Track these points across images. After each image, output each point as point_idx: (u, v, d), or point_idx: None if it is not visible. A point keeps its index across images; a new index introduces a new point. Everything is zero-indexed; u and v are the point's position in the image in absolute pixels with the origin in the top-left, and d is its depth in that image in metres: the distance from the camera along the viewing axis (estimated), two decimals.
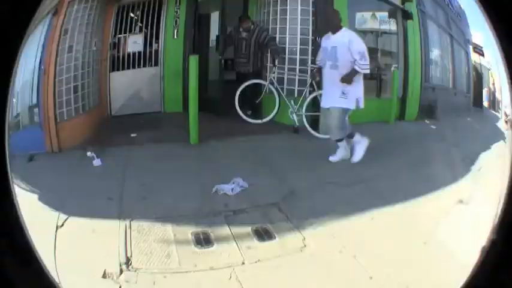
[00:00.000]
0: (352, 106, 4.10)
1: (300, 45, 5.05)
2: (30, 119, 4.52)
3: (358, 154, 4.06)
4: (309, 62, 4.98)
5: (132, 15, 5.63)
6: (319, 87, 4.86)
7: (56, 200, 2.95)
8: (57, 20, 4.86)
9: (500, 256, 1.13)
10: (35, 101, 4.48)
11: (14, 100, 4.50)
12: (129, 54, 5.46)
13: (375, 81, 5.70)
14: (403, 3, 5.99)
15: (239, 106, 4.83)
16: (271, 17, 5.27)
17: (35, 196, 2.93)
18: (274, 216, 3.03)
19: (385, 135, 5.24)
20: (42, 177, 3.40)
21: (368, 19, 5.90)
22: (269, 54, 5.00)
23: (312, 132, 4.72)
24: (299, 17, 5.09)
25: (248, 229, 2.88)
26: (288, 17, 5.13)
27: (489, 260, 1.14)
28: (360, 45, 4.15)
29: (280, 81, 4.98)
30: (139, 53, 5.45)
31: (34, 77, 4.56)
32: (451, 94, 7.14)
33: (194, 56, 4.66)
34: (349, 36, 4.17)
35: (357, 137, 4.13)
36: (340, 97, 4.03)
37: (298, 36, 5.05)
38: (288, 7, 5.16)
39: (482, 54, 8.53)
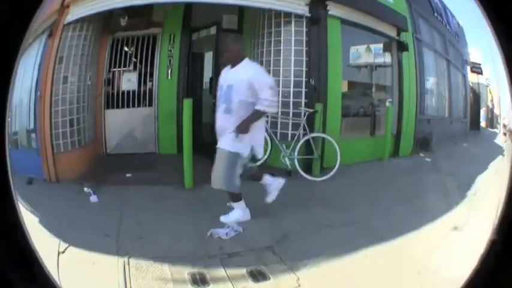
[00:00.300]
0: (245, 152, 3.54)
1: (294, 87, 5.05)
2: (28, 142, 4.61)
3: (272, 195, 3.73)
4: (303, 105, 4.97)
5: (126, 49, 5.64)
6: (312, 130, 4.90)
7: (55, 227, 3.02)
8: (52, 42, 4.92)
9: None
10: (32, 125, 4.59)
11: (12, 115, 4.64)
12: (123, 92, 5.49)
13: (369, 118, 5.71)
14: (398, 34, 5.99)
15: None
16: (264, 58, 5.26)
17: (36, 218, 3.01)
18: (269, 258, 3.11)
19: (379, 174, 5.28)
20: (41, 203, 3.47)
21: (362, 53, 5.87)
22: None
23: (304, 175, 4.74)
24: (292, 57, 5.09)
25: (243, 271, 2.95)
26: (281, 58, 5.12)
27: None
28: (265, 78, 3.65)
29: (274, 125, 4.96)
30: (133, 91, 5.47)
31: (31, 99, 4.65)
32: (447, 123, 7.14)
33: (188, 100, 4.67)
34: (252, 70, 3.59)
35: (267, 179, 3.75)
36: (232, 139, 3.52)
37: (292, 79, 5.06)
38: (281, 47, 5.17)
39: (481, 72, 8.54)
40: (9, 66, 1.13)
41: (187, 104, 4.64)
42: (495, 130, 7.71)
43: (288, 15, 5.17)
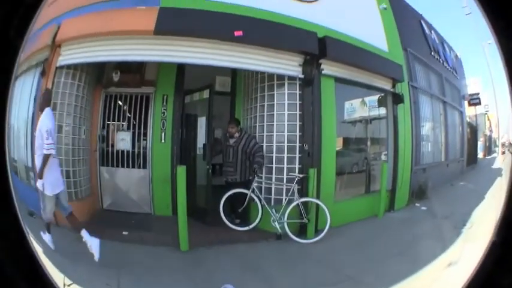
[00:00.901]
0: (45, 190, 3.84)
1: (288, 153, 5.02)
2: (27, 178, 4.67)
3: (96, 254, 3.80)
4: (296, 170, 4.98)
5: (120, 103, 5.62)
6: (306, 194, 4.92)
7: (58, 263, 3.20)
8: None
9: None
10: (30, 164, 4.62)
11: (11, 137, 4.70)
12: (117, 151, 5.49)
13: (364, 174, 5.71)
14: (393, 85, 5.95)
15: (227, 213, 4.85)
16: (258, 124, 5.27)
17: (40, 248, 3.11)
18: None
19: (374, 230, 5.33)
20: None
21: (357, 107, 5.83)
22: (252, 163, 4.96)
23: (294, 238, 4.76)
24: (286, 122, 5.05)
25: None
26: (275, 123, 5.09)
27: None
28: (43, 124, 3.87)
29: (267, 190, 4.99)
30: (127, 151, 5.48)
31: (27, 133, 4.67)
32: (443, 167, 7.13)
33: (181, 167, 4.65)
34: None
35: (84, 235, 3.87)
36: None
37: (286, 144, 5.03)
38: (275, 112, 5.13)
39: (479, 102, 8.52)
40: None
41: (181, 171, 4.63)
42: (493, 155, 7.78)
43: (281, 77, 5.16)
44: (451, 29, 7.43)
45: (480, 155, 9.11)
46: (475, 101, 8.75)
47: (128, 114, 5.51)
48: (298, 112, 5.06)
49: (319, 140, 5.07)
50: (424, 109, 6.50)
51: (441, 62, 7.41)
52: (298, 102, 5.09)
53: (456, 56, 8.48)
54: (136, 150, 5.46)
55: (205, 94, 5.23)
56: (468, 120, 8.59)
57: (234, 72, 5.64)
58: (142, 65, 5.37)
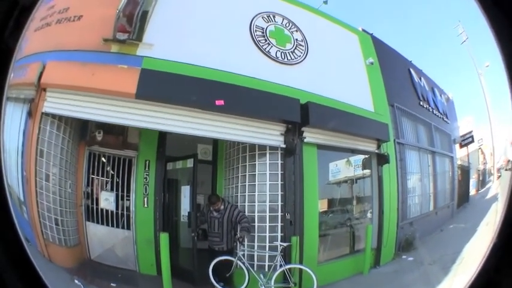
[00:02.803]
0: None
1: (269, 222, 5.03)
2: (21, 210, 4.69)
3: None
4: (279, 238, 5.00)
5: (104, 160, 5.66)
6: (288, 261, 4.96)
7: None
8: (32, 128, 4.95)
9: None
10: (22, 198, 4.75)
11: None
12: (102, 210, 5.54)
13: (348, 234, 5.72)
14: (378, 146, 5.90)
15: (214, 278, 4.93)
16: (239, 193, 5.26)
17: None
18: None
19: (360, 285, 5.39)
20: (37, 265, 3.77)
21: (342, 167, 5.82)
22: (238, 231, 4.97)
23: None
24: (268, 192, 5.04)
25: None
26: (256, 193, 5.08)
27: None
28: None
29: (251, 257, 4.95)
30: (111, 211, 5.52)
31: (18, 165, 4.77)
32: (431, 216, 7.12)
33: (164, 234, 4.71)
34: None
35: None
36: None
37: (268, 214, 5.03)
38: (256, 182, 5.12)
39: (472, 141, 8.49)
40: None
41: (164, 238, 4.72)
42: (488, 185, 7.78)
43: (262, 147, 5.14)
44: (443, 68, 7.43)
45: (473, 191, 9.10)
46: (467, 140, 8.72)
47: (111, 175, 5.54)
48: (280, 182, 5.05)
49: (301, 209, 5.02)
50: (412, 164, 6.46)
51: (431, 110, 7.39)
52: (280, 172, 5.08)
53: (448, 99, 8.45)
54: (120, 211, 5.49)
55: (189, 163, 5.23)
56: (459, 162, 8.58)
57: (215, 141, 5.60)
58: (125, 127, 5.39)
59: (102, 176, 5.57)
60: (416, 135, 6.90)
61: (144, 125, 4.77)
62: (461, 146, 8.86)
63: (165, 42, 4.88)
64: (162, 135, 5.25)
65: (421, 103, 7.29)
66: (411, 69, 7.55)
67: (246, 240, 4.91)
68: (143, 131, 5.26)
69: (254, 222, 5.06)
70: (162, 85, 4.59)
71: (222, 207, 5.09)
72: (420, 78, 7.77)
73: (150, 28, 4.88)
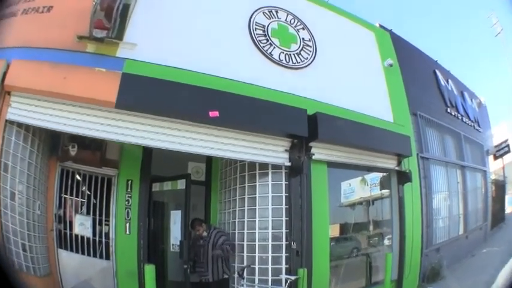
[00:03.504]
0: None
1: (272, 252, 5.14)
2: None
3: None
4: (283, 271, 5.09)
5: (78, 178, 5.76)
6: None
7: None
8: None
9: None
10: None
11: None
12: (76, 236, 5.64)
13: (364, 264, 5.89)
14: (399, 162, 6.14)
15: None
16: (237, 219, 5.43)
17: None
18: None
19: None
20: None
21: (357, 187, 6.04)
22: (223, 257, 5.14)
23: None
24: (270, 217, 5.19)
25: None
26: (257, 219, 5.25)
27: None
28: None
29: None
30: (88, 238, 5.63)
31: None
32: (461, 240, 7.30)
33: (150, 267, 4.73)
34: None
35: None
36: None
37: (270, 243, 5.16)
38: (257, 206, 5.27)
39: (508, 150, 8.76)
40: None
41: (150, 270, 4.69)
42: None
43: (264, 165, 5.31)
44: (475, 68, 7.67)
45: (509, 209, 9.34)
46: (503, 150, 8.98)
47: (87, 196, 5.63)
48: (284, 206, 5.22)
49: (309, 237, 5.20)
50: (438, 181, 6.69)
51: (460, 117, 7.60)
52: (284, 194, 5.25)
53: (480, 103, 8.67)
54: (97, 238, 5.60)
55: (180, 185, 5.37)
56: (493, 177, 8.80)
57: (209, 159, 5.78)
58: (103, 141, 5.52)
59: (77, 196, 5.64)
60: (443, 148, 7.13)
61: (126, 139, 4.82)
62: (496, 158, 9.13)
63: (151, 42, 5.01)
64: (147, 152, 5.42)
65: (449, 110, 7.53)
66: (437, 71, 7.78)
67: (245, 273, 5.03)
68: (125, 146, 5.41)
69: (254, 252, 5.22)
70: (147, 93, 4.67)
71: (205, 233, 5.27)
72: (447, 81, 8.00)
73: (133, 25, 4.98)
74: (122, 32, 4.90)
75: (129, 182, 5.48)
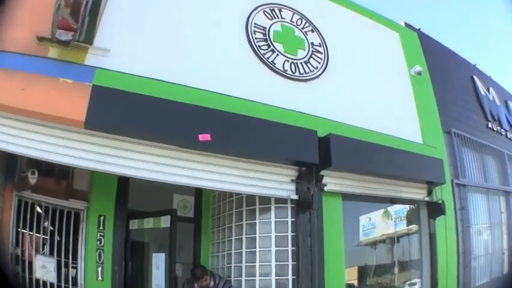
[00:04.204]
0: None
1: None
2: None
3: None
4: None
5: (39, 211, 5.80)
6: None
7: None
8: None
9: None
10: None
11: None
12: (37, 280, 5.67)
13: None
14: (429, 192, 6.18)
15: None
16: (233, 263, 5.46)
17: None
18: None
19: None
20: None
21: (378, 222, 6.11)
22: None
23: None
24: (273, 262, 5.22)
25: None
26: (257, 263, 5.29)
27: None
28: None
29: None
30: (51, 284, 5.67)
31: None
32: (506, 281, 7.24)
33: None
34: None
35: None
36: None
37: None
38: (257, 248, 5.30)
39: None
40: None
41: None
42: None
43: (266, 199, 5.36)
44: None
45: None
46: None
47: (50, 232, 5.69)
48: (290, 248, 5.26)
49: (321, 284, 5.22)
50: (477, 212, 6.74)
51: (503, 133, 7.67)
52: (290, 233, 5.29)
53: None
54: (63, 284, 5.65)
55: (164, 222, 5.45)
56: None
57: (198, 191, 5.83)
58: (70, 168, 5.56)
59: (38, 233, 5.68)
60: (484, 172, 7.19)
61: (98, 166, 4.75)
62: None
63: (128, 48, 5.04)
64: (123, 181, 5.49)
65: (490, 124, 7.58)
66: (475, 77, 7.83)
67: None
68: (96, 175, 5.43)
69: None
70: (124, 110, 4.65)
71: (212, 283, 5.32)
72: (488, 89, 8.06)
73: (105, 25, 4.99)
74: (91, 34, 4.84)
75: (101, 217, 5.52)
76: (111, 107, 4.61)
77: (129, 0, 5.36)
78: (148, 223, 5.70)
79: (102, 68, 4.76)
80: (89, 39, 4.79)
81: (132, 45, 5.10)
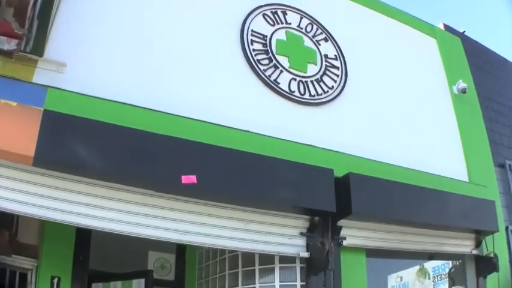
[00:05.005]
0: None
1: None
2: None
3: None
4: None
5: None
6: None
7: None
8: None
9: None
10: None
11: None
12: None
13: None
14: (477, 244, 6.20)
15: None
16: None
17: None
18: None
19: None
20: None
21: (411, 282, 6.07)
22: None
23: None
24: None
25: None
26: None
27: None
28: None
29: None
30: None
31: None
32: None
33: None
34: None
35: None
36: None
37: None
38: None
39: None
40: None
41: None
42: None
43: (267, 257, 5.36)
44: None
45: None
46: None
47: None
48: None
49: None
50: None
51: None
52: None
53: None
54: None
55: (137, 286, 5.45)
56: None
57: (180, 247, 5.84)
58: (14, 216, 5.48)
59: None
60: None
61: (51, 215, 4.65)
62: None
63: (87, 62, 5.04)
64: (84, 234, 5.51)
65: None
66: None
67: None
68: (48, 225, 5.42)
69: None
70: (84, 143, 4.62)
71: None
72: None
73: (59, 33, 4.99)
74: (41, 42, 4.85)
75: (55, 279, 5.48)
76: (68, 138, 4.57)
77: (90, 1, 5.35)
78: (117, 286, 5.67)
79: (55, 88, 4.71)
80: (39, 49, 4.79)
81: (94, 59, 5.13)
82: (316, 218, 5.37)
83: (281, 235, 5.33)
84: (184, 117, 5.15)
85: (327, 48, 6.39)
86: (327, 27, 6.48)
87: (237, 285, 5.55)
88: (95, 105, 4.81)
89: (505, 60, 7.71)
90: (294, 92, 5.93)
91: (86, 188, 4.72)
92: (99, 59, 5.13)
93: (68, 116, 4.51)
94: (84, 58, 5.01)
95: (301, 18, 6.43)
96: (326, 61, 6.30)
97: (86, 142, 4.60)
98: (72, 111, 4.56)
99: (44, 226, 5.50)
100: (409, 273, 6.09)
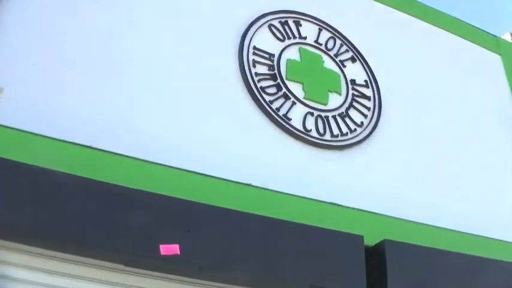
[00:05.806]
0: None
1: None
2: None
3: None
4: None
5: None
6: None
7: None
8: None
9: None
10: None
11: None
12: None
13: None
14: None
15: None
16: None
17: None
18: None
19: None
20: None
21: None
22: None
23: None
24: None
25: None
26: None
27: None
28: None
29: None
30: None
31: None
32: None
33: None
34: None
35: None
36: None
37: None
38: None
39: None
40: None
41: None
42: None
43: None
44: None
45: None
46: None
47: None
48: None
49: None
50: None
51: None
52: None
53: None
54: None
55: None
56: None
57: None
58: None
59: None
60: None
61: None
62: None
63: (33, 87, 5.12)
64: None
65: None
66: None
67: None
68: None
69: None
70: (28, 198, 4.57)
71: None
72: None
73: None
74: None
75: None
76: (6, 191, 4.50)
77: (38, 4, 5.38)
78: None
79: None
80: None
81: (43, 82, 5.18)
82: None
83: None
84: (161, 164, 5.12)
85: (355, 71, 6.37)
86: (354, 43, 6.39)
87: None
88: (41, 144, 4.84)
89: None
90: (311, 131, 5.90)
91: (36, 260, 4.73)
92: (47, 82, 5.21)
93: (6, 160, 4.46)
94: (27, 81, 5.11)
95: (320, 30, 6.38)
96: (353, 89, 6.26)
97: (31, 196, 4.55)
98: (11, 153, 4.53)
99: None
100: None
